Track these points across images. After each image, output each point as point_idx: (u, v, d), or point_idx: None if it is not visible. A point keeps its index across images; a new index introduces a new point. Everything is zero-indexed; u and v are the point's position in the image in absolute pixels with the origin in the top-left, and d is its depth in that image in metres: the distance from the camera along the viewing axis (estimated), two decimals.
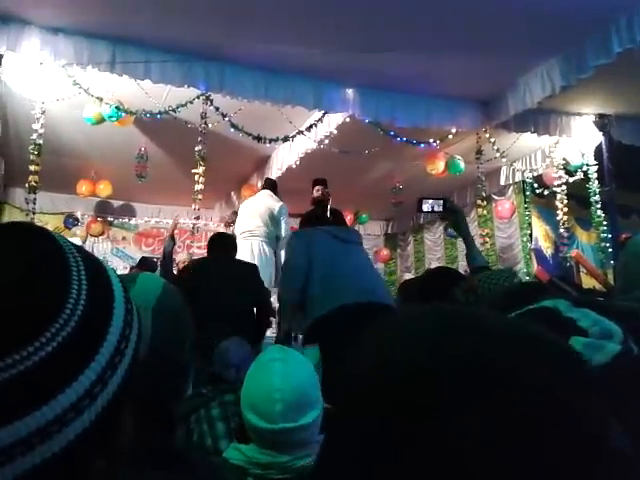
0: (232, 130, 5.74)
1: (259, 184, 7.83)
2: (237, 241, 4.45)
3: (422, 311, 0.47)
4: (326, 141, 6.07)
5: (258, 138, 5.86)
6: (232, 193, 8.85)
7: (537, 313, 0.68)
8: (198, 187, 5.68)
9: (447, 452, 0.37)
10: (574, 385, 0.41)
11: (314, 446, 1.30)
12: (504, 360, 0.40)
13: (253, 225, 5.40)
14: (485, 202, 7.38)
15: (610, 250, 6.37)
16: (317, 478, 0.48)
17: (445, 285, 1.99)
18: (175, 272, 6.23)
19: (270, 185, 5.70)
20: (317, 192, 6.15)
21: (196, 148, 5.57)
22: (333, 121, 5.88)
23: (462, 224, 2.39)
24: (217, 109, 5.49)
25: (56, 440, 0.44)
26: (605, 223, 6.54)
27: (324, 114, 5.84)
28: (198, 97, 5.37)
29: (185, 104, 5.38)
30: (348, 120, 5.74)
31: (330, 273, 3.41)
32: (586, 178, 6.80)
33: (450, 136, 6.25)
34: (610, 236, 6.40)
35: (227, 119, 5.58)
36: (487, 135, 6.35)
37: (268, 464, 1.29)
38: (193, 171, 5.70)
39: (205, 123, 5.53)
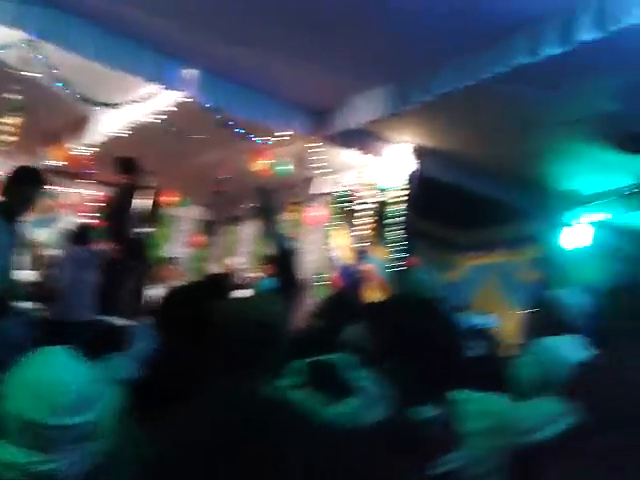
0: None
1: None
2: None
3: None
4: (159, 117, 5.83)
5: (86, 100, 5.40)
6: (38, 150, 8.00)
7: None
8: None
9: None
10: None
11: (66, 453, 1.27)
12: None
13: None
14: (298, 207, 7.72)
15: (401, 268, 7.05)
16: None
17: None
18: None
19: None
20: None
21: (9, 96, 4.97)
22: (169, 98, 5.67)
23: (271, 219, 2.69)
24: (43, 59, 4.95)
25: None
26: (399, 244, 7.24)
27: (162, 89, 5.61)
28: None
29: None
30: (185, 100, 5.57)
31: None
32: (392, 200, 7.45)
33: (286, 138, 6.41)
34: (403, 255, 7.11)
35: (54, 70, 5.07)
36: (314, 144, 6.67)
37: (6, 464, 1.22)
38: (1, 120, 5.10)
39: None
